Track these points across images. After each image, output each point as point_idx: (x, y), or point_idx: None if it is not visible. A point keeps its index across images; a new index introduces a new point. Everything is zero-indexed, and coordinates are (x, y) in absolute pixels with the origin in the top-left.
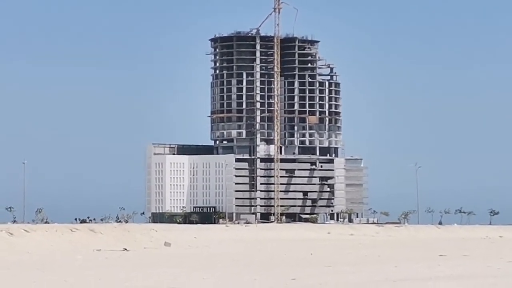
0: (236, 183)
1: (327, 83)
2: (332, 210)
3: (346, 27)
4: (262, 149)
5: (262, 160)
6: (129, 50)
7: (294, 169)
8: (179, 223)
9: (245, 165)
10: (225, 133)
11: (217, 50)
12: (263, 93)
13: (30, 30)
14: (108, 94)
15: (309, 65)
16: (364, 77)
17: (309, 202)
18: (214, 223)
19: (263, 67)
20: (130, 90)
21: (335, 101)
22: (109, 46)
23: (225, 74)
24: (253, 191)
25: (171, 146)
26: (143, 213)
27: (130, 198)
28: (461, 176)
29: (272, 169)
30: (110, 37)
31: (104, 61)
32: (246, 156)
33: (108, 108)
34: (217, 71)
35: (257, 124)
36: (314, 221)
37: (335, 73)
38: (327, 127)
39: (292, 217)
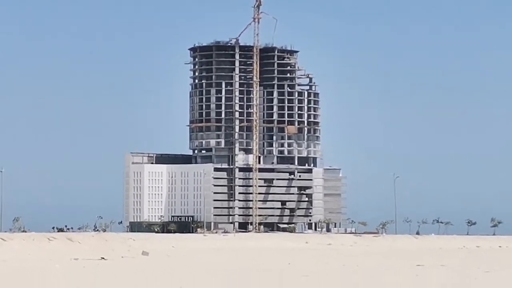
0: (214, 193)
1: (306, 93)
2: (310, 220)
3: (325, 37)
4: (240, 159)
5: (241, 169)
6: (107, 58)
7: (273, 179)
8: (157, 232)
9: (223, 174)
10: (203, 142)
11: (196, 59)
12: (242, 103)
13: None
14: (87, 102)
15: (288, 75)
16: (343, 87)
17: (287, 212)
18: (192, 232)
19: (242, 77)
20: (109, 99)
21: (314, 111)
22: (87, 54)
23: (204, 84)
24: (232, 200)
25: (150, 155)
26: (121, 222)
27: (108, 207)
28: (438, 186)
29: (251, 178)
30: (90, 46)
31: (82, 69)
32: (225, 166)
33: (87, 117)
34: (196, 81)
35: (236, 134)
36: (292, 230)
37: (314, 83)
38: (305, 137)
39: (270, 227)
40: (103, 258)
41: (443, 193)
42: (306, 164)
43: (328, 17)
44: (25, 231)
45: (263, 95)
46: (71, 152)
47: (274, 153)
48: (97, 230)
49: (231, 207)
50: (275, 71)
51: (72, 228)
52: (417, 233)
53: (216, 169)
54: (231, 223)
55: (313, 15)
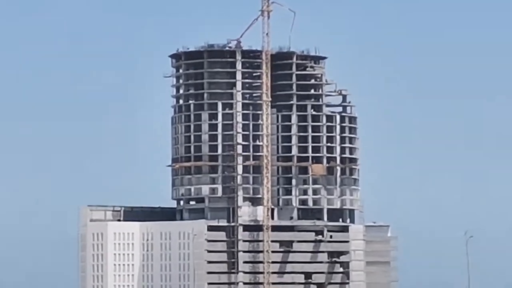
0: (208, 262)
1: (338, 117)
2: None
3: (365, 38)
4: (245, 213)
5: (246, 228)
6: (57, 73)
7: (292, 241)
8: None
9: (222, 235)
10: (192, 189)
11: (181, 70)
12: (246, 132)
13: None
14: (28, 136)
15: (312, 91)
16: (391, 109)
17: None
18: None
19: (247, 95)
20: (55, 128)
21: (350, 143)
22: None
23: (192, 105)
24: (234, 272)
25: (115, 209)
26: None
27: (57, 283)
28: None
29: (261, 240)
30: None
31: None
32: (223, 223)
33: (29, 160)
34: (181, 101)
35: (239, 177)
36: None
37: (349, 102)
38: (338, 180)
39: None
40: None
41: None
42: (340, 220)
43: (367, 12)
44: None
45: (277, 121)
46: (6, 208)
47: (294, 204)
48: None
49: (233, 283)
50: (294, 86)
51: None
52: None
53: (211, 228)
54: None
55: (347, 6)
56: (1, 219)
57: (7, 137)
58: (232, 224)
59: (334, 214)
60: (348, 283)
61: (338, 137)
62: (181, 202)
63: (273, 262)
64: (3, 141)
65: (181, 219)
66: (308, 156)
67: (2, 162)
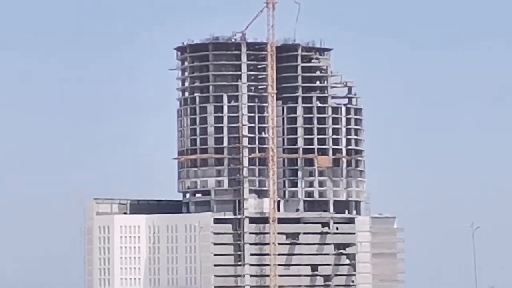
0: (215, 254)
1: (343, 109)
2: None
3: (370, 29)
4: (251, 205)
5: (252, 220)
6: (64, 66)
7: (298, 233)
8: None
9: (228, 227)
10: (198, 182)
11: (186, 63)
12: (252, 124)
13: None
14: (32, 130)
15: (318, 83)
16: (398, 100)
17: (320, 280)
18: None
19: (252, 87)
20: (62, 125)
21: (356, 134)
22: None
23: (197, 98)
24: (240, 265)
25: (121, 202)
26: None
27: (62, 277)
28: None
29: (267, 233)
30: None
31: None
32: (229, 215)
33: (34, 153)
34: (186, 93)
35: (245, 169)
36: None
37: (355, 94)
38: (344, 172)
39: None
40: None
41: None
42: (346, 211)
43: (371, 2)
44: None
45: (283, 113)
46: (13, 202)
47: (300, 196)
48: None
49: (239, 275)
50: (299, 78)
51: None
52: None
53: (217, 221)
54: None
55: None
56: (8, 212)
57: (12, 130)
58: (238, 216)
59: (340, 206)
60: (354, 274)
61: (344, 129)
62: (187, 195)
63: (279, 254)
64: (10, 134)
65: (187, 211)
66: (313, 148)
67: (7, 155)
